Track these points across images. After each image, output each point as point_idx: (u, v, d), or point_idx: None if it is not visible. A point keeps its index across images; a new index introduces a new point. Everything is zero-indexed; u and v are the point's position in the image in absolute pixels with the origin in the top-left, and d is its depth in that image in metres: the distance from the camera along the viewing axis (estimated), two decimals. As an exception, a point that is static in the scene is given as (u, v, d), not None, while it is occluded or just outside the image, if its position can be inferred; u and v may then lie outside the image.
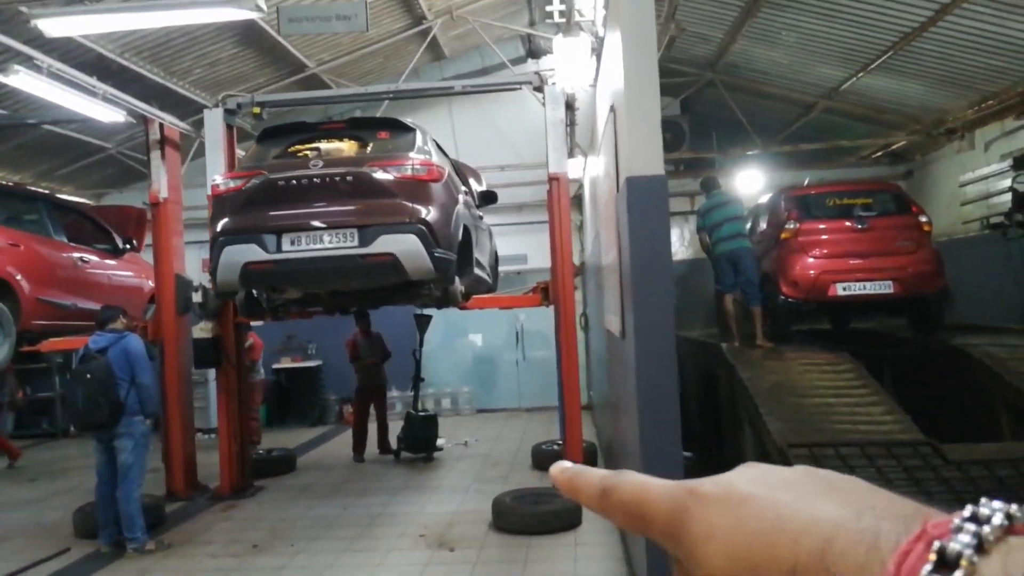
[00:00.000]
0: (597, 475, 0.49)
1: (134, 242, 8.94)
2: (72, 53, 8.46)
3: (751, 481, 0.42)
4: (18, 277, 6.85)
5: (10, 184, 10.09)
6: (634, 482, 0.46)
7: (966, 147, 10.25)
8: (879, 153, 12.07)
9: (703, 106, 12.49)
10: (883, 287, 7.83)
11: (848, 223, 8.10)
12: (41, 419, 13.36)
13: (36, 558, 6.14)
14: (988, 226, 9.64)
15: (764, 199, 9.55)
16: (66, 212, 8.43)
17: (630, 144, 4.01)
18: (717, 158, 12.16)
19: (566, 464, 0.51)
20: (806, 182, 9.86)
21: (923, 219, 8.09)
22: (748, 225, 9.44)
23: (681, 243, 13.60)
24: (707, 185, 8.53)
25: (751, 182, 11.60)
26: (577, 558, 5.61)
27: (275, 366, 13.69)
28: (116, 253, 8.64)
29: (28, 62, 6.15)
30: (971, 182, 10.10)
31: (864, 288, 7.88)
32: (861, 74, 9.58)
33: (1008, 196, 9.13)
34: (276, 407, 13.70)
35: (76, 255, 7.84)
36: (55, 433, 13.07)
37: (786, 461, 5.46)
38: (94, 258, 8.17)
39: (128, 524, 6.14)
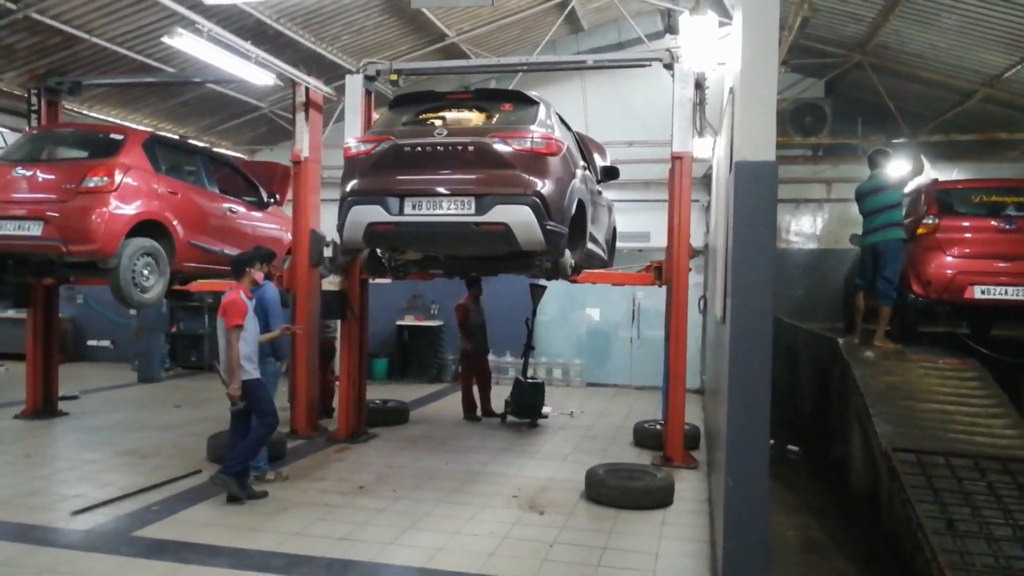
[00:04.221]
0: None
1: (277, 197, 9.63)
2: (233, 18, 9.16)
3: None
4: (174, 222, 7.58)
5: (173, 137, 11.00)
6: None
7: None
8: (1047, 149, 11.07)
9: (849, 89, 11.86)
10: (1028, 293, 7.29)
11: (994, 222, 7.56)
12: (191, 352, 14.68)
13: (171, 476, 6.87)
14: None
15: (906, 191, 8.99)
16: (220, 165, 9.17)
17: (742, 128, 3.97)
18: (860, 145, 11.54)
19: None
20: (953, 175, 9.22)
21: (1082, 224, 7.42)
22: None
23: (813, 231, 13.06)
24: (873, 162, 7.84)
25: (898, 172, 10.90)
26: (662, 536, 5.66)
27: (399, 323, 14.40)
28: (261, 206, 9.34)
29: (191, 26, 6.71)
30: None
31: (1006, 293, 7.38)
32: (1029, 61, 8.80)
33: None
34: (398, 362, 14.42)
35: (226, 205, 8.54)
36: (202, 366, 14.33)
37: (890, 465, 5.28)
38: (241, 209, 8.87)
39: (253, 453, 6.74)
